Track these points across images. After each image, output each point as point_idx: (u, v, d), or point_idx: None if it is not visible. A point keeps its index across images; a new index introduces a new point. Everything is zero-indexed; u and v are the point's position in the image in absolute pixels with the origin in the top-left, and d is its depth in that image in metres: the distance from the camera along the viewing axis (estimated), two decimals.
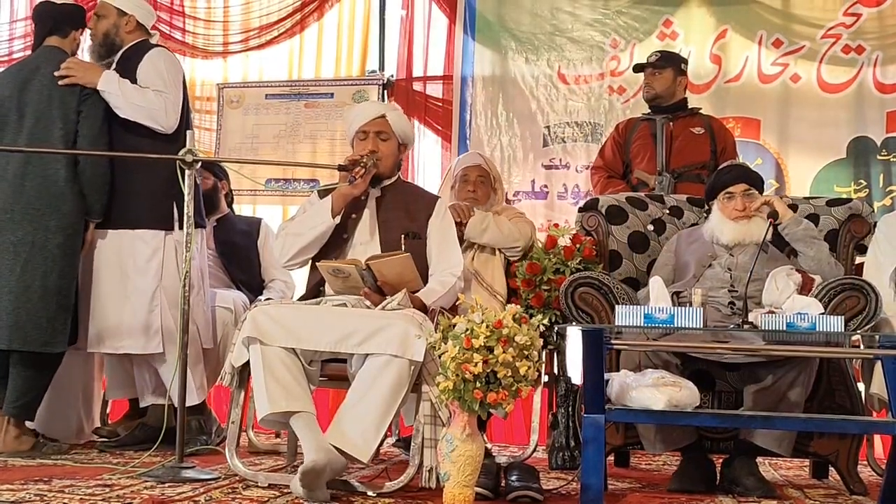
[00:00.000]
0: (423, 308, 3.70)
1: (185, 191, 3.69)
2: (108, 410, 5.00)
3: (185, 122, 4.53)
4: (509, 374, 2.99)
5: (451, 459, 3.05)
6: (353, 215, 3.95)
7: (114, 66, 4.53)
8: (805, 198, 4.56)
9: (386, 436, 3.59)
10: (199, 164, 3.75)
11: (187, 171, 3.70)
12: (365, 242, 3.91)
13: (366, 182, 3.86)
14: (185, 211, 3.70)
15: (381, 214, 3.95)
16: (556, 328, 3.98)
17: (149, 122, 4.37)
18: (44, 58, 4.45)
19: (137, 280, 4.38)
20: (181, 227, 4.40)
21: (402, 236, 3.90)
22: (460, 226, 4.36)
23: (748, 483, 3.61)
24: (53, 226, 4.25)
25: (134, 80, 4.43)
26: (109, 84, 4.38)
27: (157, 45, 4.66)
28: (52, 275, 4.22)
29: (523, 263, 4.44)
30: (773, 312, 3.47)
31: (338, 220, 3.86)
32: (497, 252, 4.53)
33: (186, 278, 3.67)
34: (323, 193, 4.02)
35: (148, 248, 4.40)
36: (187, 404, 4.40)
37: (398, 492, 3.36)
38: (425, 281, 3.87)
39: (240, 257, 5.18)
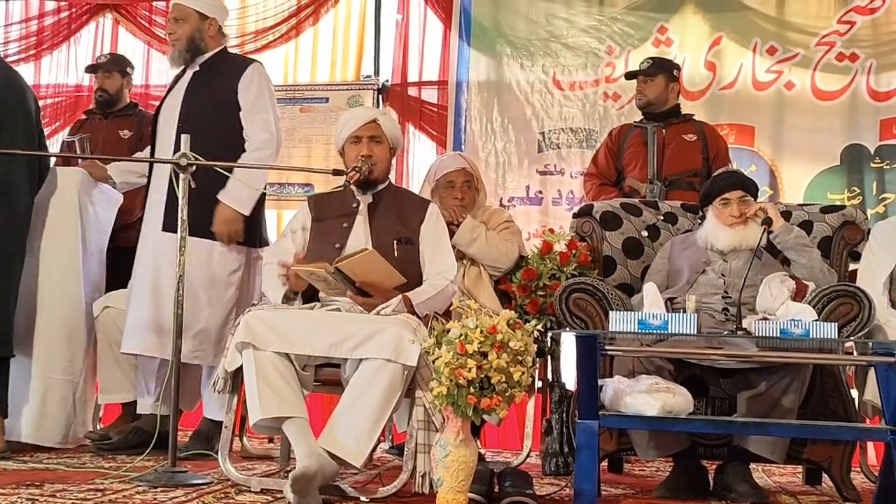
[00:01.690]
0: (410, 306, 3.69)
1: (180, 195, 3.69)
2: (100, 414, 4.99)
3: None
4: (503, 379, 2.98)
5: (444, 465, 3.05)
6: (345, 224, 3.94)
7: (196, 70, 4.57)
8: (799, 205, 4.57)
9: (379, 440, 3.58)
10: (194, 168, 3.74)
11: (182, 175, 3.69)
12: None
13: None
14: (180, 215, 3.69)
15: (373, 221, 3.95)
16: (550, 334, 3.98)
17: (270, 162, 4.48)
18: None
19: (220, 292, 4.41)
20: (261, 245, 4.55)
21: (395, 242, 3.90)
22: (450, 227, 4.36)
23: (741, 489, 3.62)
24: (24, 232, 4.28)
25: (231, 93, 4.47)
26: (236, 197, 4.40)
27: (251, 60, 4.73)
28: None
29: (518, 269, 4.44)
30: (766, 319, 3.47)
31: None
32: (483, 267, 4.52)
33: (181, 283, 3.67)
34: (314, 200, 4.05)
35: (234, 262, 4.45)
36: (216, 418, 4.41)
37: (391, 497, 3.35)
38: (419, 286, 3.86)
39: None
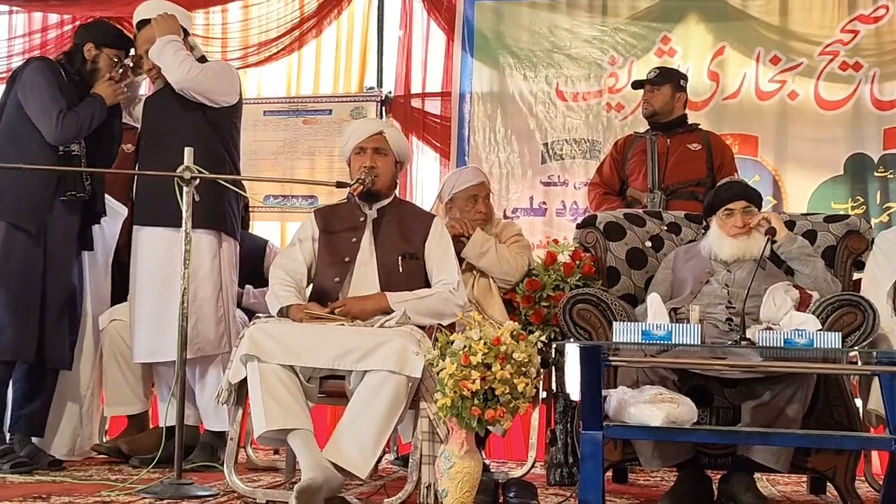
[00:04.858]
0: (383, 302, 3.74)
1: (184, 208, 3.70)
2: (106, 427, 4.99)
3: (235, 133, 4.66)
4: (507, 390, 2.99)
5: (449, 476, 3.05)
6: (353, 238, 3.95)
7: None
8: (803, 214, 4.57)
9: (384, 452, 3.58)
10: (197, 180, 3.75)
11: (185, 189, 3.70)
12: (365, 263, 3.91)
13: None
14: (184, 227, 3.70)
15: (378, 237, 3.95)
16: (554, 345, 3.98)
17: (164, 66, 4.39)
18: None
19: (204, 280, 4.38)
20: (228, 232, 4.49)
21: (399, 258, 3.90)
22: (460, 239, 4.36)
23: (746, 499, 3.61)
24: None
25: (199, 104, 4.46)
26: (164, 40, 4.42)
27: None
28: None
29: (523, 280, 4.45)
30: (770, 329, 3.48)
31: None
32: (492, 279, 4.52)
33: (185, 297, 3.68)
34: (320, 212, 4.06)
35: (211, 247, 4.40)
36: (217, 429, 4.41)
37: None
38: None
39: (240, 277, 5.07)
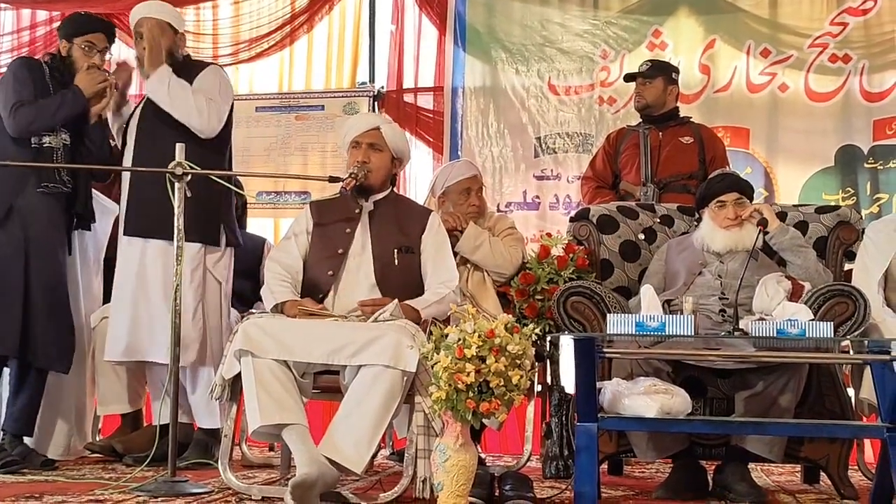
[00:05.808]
0: (416, 316, 3.70)
1: (175, 204, 3.69)
2: (99, 426, 4.98)
3: (228, 139, 4.62)
4: (502, 383, 2.99)
5: (444, 469, 3.05)
6: (348, 230, 3.94)
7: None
8: (794, 205, 4.58)
9: (379, 447, 3.58)
10: (189, 177, 3.74)
11: (177, 185, 3.70)
12: (358, 255, 3.91)
13: None
14: (176, 224, 3.70)
15: (373, 229, 3.95)
16: (548, 338, 3.99)
17: (183, 118, 4.36)
18: None
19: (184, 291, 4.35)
20: (226, 245, 4.51)
21: (395, 250, 3.90)
22: (454, 233, 4.36)
23: (740, 489, 3.62)
24: None
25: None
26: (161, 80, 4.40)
27: (210, 63, 4.74)
28: None
29: (517, 273, 4.46)
30: (763, 319, 3.49)
31: None
32: (486, 273, 4.52)
33: (178, 292, 3.68)
34: (316, 205, 4.05)
35: (192, 260, 4.36)
36: (210, 426, 4.41)
37: (392, 502, 3.36)
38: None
39: (235, 274, 5.04)
